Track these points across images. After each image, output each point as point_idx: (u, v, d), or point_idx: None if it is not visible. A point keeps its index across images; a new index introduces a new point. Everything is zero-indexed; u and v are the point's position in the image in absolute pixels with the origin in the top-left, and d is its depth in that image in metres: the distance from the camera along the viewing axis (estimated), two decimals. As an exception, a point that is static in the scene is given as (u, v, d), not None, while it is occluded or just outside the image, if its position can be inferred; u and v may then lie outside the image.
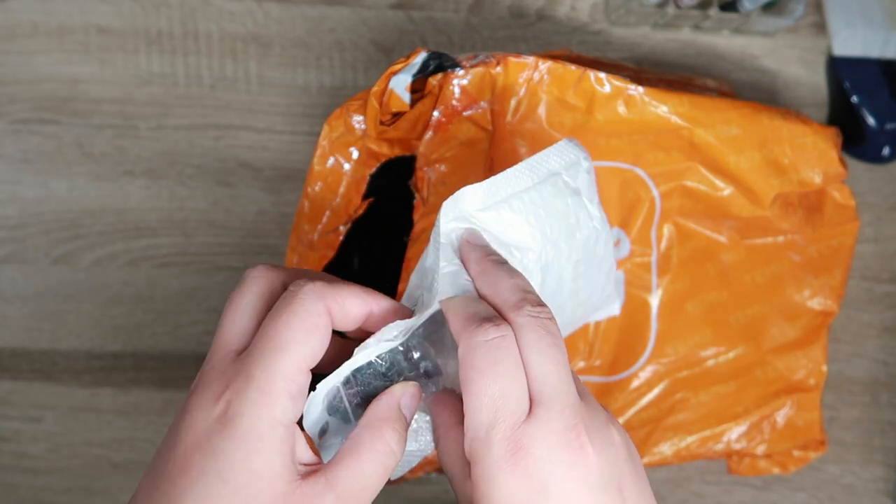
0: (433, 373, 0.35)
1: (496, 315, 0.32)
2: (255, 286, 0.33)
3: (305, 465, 0.30)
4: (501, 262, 0.34)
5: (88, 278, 0.56)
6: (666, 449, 0.53)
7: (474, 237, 0.35)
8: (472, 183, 0.45)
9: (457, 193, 0.35)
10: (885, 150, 0.58)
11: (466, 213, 0.36)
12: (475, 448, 0.30)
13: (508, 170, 0.37)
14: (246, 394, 0.29)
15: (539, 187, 0.38)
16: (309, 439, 0.32)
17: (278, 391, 0.29)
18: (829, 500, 0.57)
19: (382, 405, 0.32)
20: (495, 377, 0.30)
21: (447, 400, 0.34)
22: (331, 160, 0.47)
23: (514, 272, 0.33)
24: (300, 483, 0.29)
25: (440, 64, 0.44)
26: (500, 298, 0.32)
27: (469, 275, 0.34)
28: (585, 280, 0.42)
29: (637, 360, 0.53)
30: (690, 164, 0.49)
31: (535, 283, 0.37)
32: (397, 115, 0.44)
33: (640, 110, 0.47)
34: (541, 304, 0.32)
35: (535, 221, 0.37)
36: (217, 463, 0.28)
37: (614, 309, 0.50)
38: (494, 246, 0.36)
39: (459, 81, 0.44)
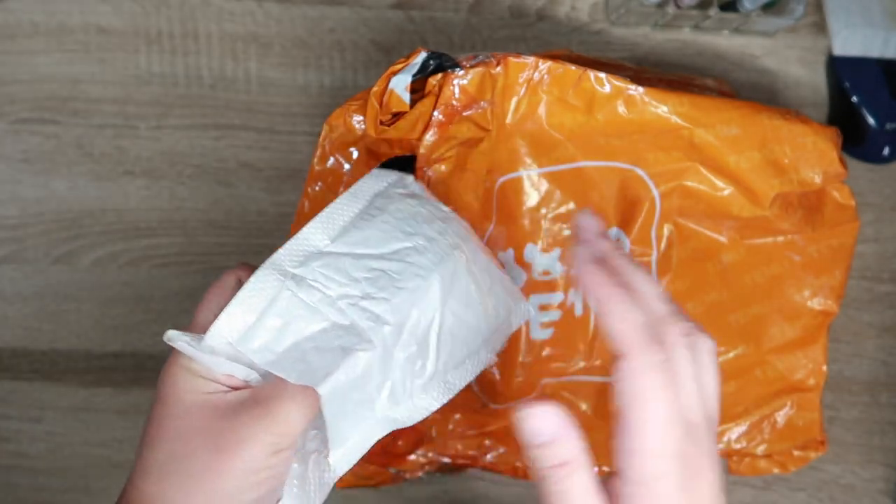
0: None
1: (658, 330, 0.30)
2: (228, 281, 0.38)
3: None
4: (632, 260, 0.31)
5: (88, 278, 0.56)
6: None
7: (587, 220, 0.32)
8: (472, 182, 0.45)
9: (301, 232, 0.37)
10: (885, 150, 0.58)
11: (318, 248, 0.36)
12: (642, 486, 0.28)
13: (331, 204, 0.38)
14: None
15: (373, 204, 0.38)
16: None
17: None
18: (829, 500, 0.57)
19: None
20: (670, 402, 0.28)
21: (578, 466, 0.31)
22: (331, 160, 0.47)
23: (648, 275, 0.31)
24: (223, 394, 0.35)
25: (440, 64, 0.44)
26: (649, 309, 0.30)
27: (588, 272, 0.31)
28: (479, 267, 0.40)
29: (637, 360, 0.53)
30: (690, 164, 0.49)
31: (433, 283, 0.37)
32: (397, 115, 0.44)
33: (640, 110, 0.47)
34: (683, 314, 0.30)
35: (391, 227, 0.37)
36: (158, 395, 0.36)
37: (527, 307, 0.44)
38: (374, 262, 0.36)
39: (459, 81, 0.44)
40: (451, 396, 0.38)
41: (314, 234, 0.37)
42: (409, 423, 0.37)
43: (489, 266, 0.40)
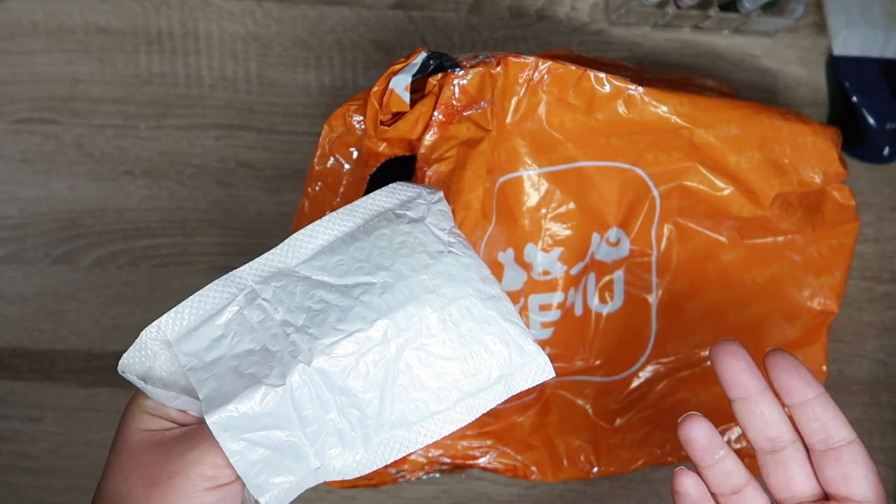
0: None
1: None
2: None
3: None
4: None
5: (88, 278, 0.56)
6: (666, 449, 0.53)
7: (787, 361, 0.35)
8: (472, 182, 0.45)
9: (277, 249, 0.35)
10: (885, 150, 0.58)
11: (287, 266, 0.35)
12: None
13: (320, 219, 0.35)
14: None
15: (368, 224, 0.36)
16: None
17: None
18: (829, 500, 0.58)
19: None
20: None
21: None
22: (331, 160, 0.47)
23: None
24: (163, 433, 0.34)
25: (440, 64, 0.44)
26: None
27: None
28: (466, 315, 0.35)
29: (637, 360, 0.53)
30: (690, 164, 0.49)
31: (383, 323, 0.33)
32: (397, 115, 0.44)
33: (640, 110, 0.47)
34: None
35: (364, 255, 0.35)
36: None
37: (542, 367, 0.36)
38: (327, 293, 0.34)
39: (459, 81, 0.44)
40: (406, 454, 0.34)
41: (288, 250, 0.35)
42: (349, 477, 0.34)
43: (488, 315, 0.35)
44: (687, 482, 0.36)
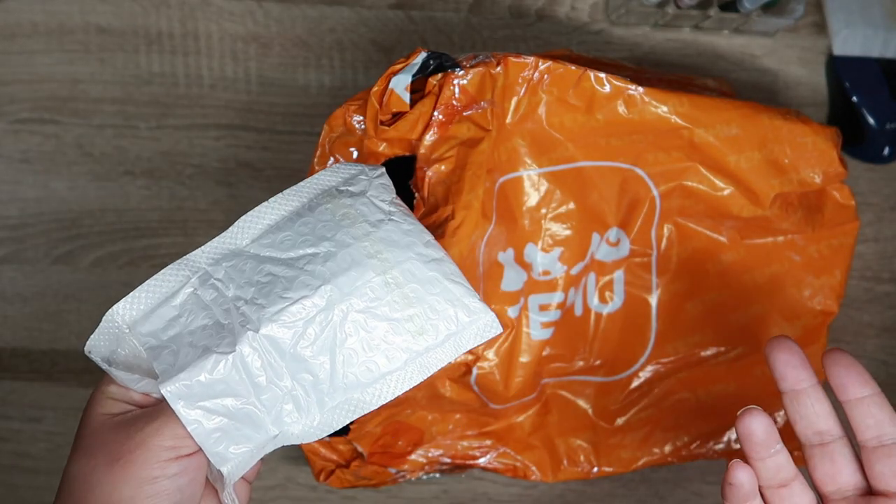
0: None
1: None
2: None
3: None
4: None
5: (88, 278, 0.56)
6: (666, 449, 0.53)
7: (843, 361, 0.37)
8: (472, 182, 0.45)
9: (223, 235, 0.37)
10: (885, 150, 0.58)
11: (237, 247, 0.36)
12: None
13: (266, 201, 0.37)
14: None
15: (313, 202, 0.37)
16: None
17: None
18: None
19: None
20: None
21: None
22: (331, 160, 0.47)
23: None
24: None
25: (440, 64, 0.44)
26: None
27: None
28: (411, 277, 0.36)
29: (637, 360, 0.53)
30: (690, 164, 0.49)
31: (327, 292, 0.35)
32: (397, 115, 0.44)
33: (640, 110, 0.47)
34: None
35: (308, 229, 0.36)
36: None
37: (489, 323, 0.37)
38: (274, 266, 0.35)
39: (459, 81, 0.44)
40: (361, 414, 0.35)
41: (239, 231, 0.37)
42: (307, 440, 0.35)
43: (431, 276, 0.36)
44: (742, 474, 0.37)
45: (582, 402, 0.53)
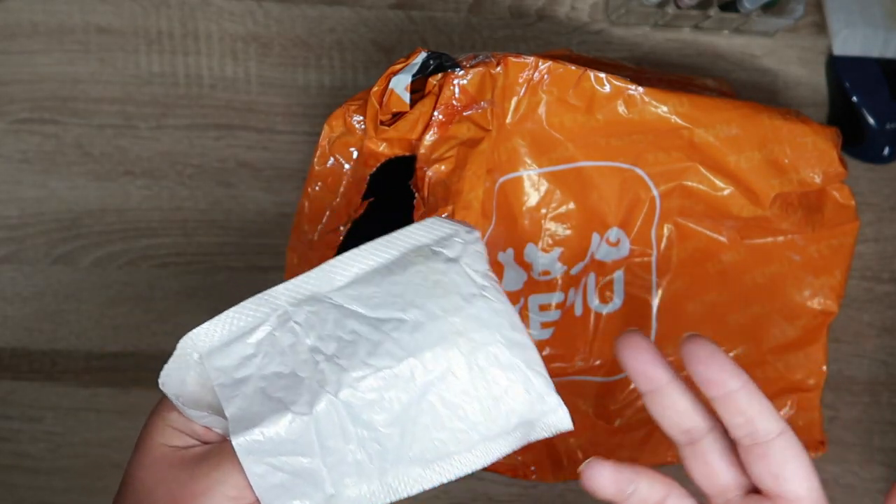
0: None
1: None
2: None
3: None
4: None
5: (88, 278, 0.56)
6: (666, 449, 0.53)
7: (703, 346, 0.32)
8: (472, 182, 0.45)
9: (303, 277, 0.35)
10: (885, 150, 0.58)
11: (321, 291, 0.35)
12: None
13: (359, 247, 0.35)
14: None
15: (405, 258, 0.36)
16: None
17: None
18: (830, 500, 0.57)
19: None
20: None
21: None
22: (331, 160, 0.47)
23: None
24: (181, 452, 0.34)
25: (440, 64, 0.44)
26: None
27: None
28: (493, 362, 0.34)
29: (637, 360, 0.53)
30: (690, 164, 0.49)
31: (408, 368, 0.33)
32: (397, 115, 0.44)
33: (640, 110, 0.47)
34: None
35: (399, 290, 0.35)
36: None
37: (561, 419, 0.36)
38: (359, 324, 0.34)
39: (459, 81, 0.44)
40: (419, 490, 0.34)
41: (324, 275, 0.35)
42: None
43: (513, 363, 0.35)
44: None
45: (582, 402, 0.53)
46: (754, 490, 0.33)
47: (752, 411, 0.31)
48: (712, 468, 0.33)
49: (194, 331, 0.34)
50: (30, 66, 0.56)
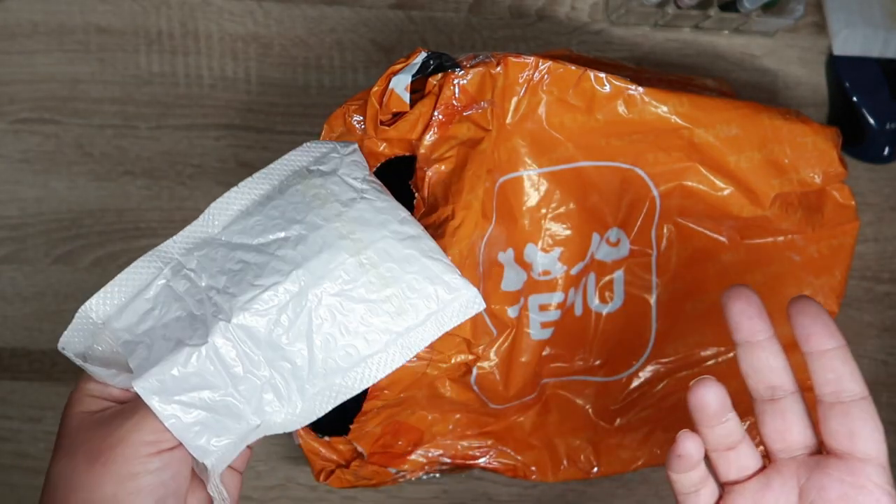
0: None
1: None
2: None
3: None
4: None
5: (88, 278, 0.56)
6: (667, 449, 0.53)
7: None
8: (472, 182, 0.45)
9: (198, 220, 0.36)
10: (885, 150, 0.58)
11: (209, 235, 0.36)
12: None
13: (236, 186, 0.36)
14: None
15: (284, 184, 0.37)
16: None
17: None
18: (829, 500, 0.58)
19: None
20: None
21: None
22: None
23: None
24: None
25: (440, 64, 0.44)
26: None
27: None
28: (385, 256, 0.35)
29: (637, 360, 0.53)
30: (690, 164, 0.49)
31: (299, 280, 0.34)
32: (397, 115, 0.44)
33: (640, 110, 0.47)
34: None
35: (278, 213, 0.35)
36: None
37: (471, 299, 0.36)
38: (245, 253, 0.35)
39: (459, 81, 0.44)
40: (344, 399, 0.34)
41: (210, 218, 0.36)
42: (291, 429, 0.34)
43: (407, 254, 0.35)
44: (690, 445, 0.35)
45: (582, 402, 0.53)
46: (817, 451, 0.35)
47: (843, 371, 0.34)
48: (788, 424, 0.35)
49: (91, 299, 0.35)
50: (30, 66, 0.56)
